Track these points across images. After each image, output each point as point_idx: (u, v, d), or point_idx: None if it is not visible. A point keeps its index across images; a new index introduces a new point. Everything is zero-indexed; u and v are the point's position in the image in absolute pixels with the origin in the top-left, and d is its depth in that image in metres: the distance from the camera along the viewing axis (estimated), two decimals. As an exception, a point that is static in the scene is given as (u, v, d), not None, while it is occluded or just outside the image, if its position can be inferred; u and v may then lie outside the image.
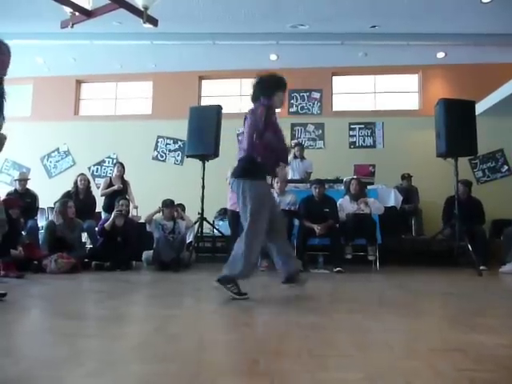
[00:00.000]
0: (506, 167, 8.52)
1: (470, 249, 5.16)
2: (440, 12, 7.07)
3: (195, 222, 6.06)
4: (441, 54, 8.48)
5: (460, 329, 2.23)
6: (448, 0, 6.74)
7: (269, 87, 3.35)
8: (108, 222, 5.48)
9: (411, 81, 9.22)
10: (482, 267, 5.07)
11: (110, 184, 6.48)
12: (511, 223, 6.02)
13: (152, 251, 5.53)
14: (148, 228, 5.61)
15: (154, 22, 5.78)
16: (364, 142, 8.87)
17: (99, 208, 6.49)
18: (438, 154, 5.64)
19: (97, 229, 5.71)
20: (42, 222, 6.43)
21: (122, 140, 9.11)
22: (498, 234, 6.40)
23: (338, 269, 5.08)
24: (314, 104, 9.00)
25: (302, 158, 7.42)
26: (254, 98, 3.38)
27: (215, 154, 6.07)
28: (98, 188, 6.88)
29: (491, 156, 8.53)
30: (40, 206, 6.46)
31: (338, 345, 1.85)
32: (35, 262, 4.80)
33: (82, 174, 6.45)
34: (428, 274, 5.23)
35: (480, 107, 7.24)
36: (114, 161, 8.74)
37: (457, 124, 5.39)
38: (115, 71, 9.34)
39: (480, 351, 1.76)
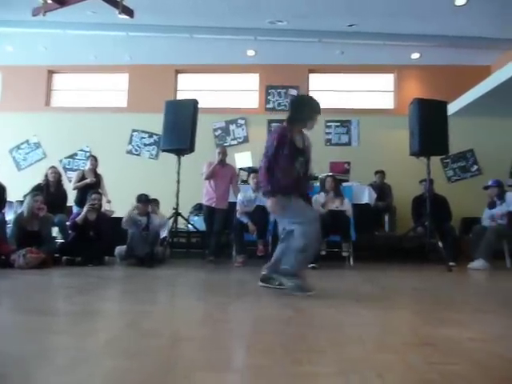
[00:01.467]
0: (475, 167, 8.75)
1: (441, 246, 5.29)
2: (416, 13, 7.19)
3: (170, 218, 6.00)
4: (415, 55, 8.63)
5: (430, 323, 2.28)
6: (423, 2, 6.86)
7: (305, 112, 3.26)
8: (80, 216, 5.36)
9: (387, 80, 9.36)
10: (451, 263, 5.19)
11: (83, 177, 6.34)
12: (479, 221, 6.20)
13: (125, 246, 5.44)
14: (124, 226, 5.49)
15: (129, 12, 5.68)
16: (339, 139, 8.96)
17: (71, 202, 6.34)
18: (412, 152, 5.75)
19: (68, 223, 5.58)
20: (9, 216, 6.23)
21: (95, 133, 8.92)
22: (467, 232, 6.58)
23: (312, 265, 5.11)
24: (290, 101, 9.03)
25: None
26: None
27: (191, 149, 6.02)
28: (70, 181, 6.71)
29: (462, 156, 8.75)
30: (8, 199, 6.26)
31: (312, 340, 1.86)
32: (3, 257, 4.66)
33: (53, 166, 6.28)
34: (400, 269, 5.33)
35: (452, 108, 7.40)
36: (87, 154, 8.56)
37: (430, 124, 5.50)
38: (89, 62, 9.14)
39: (449, 345, 1.80)
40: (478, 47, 8.21)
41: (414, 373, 1.44)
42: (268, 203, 3.14)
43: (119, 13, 5.74)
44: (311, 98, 3.41)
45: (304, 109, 3.27)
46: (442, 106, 5.79)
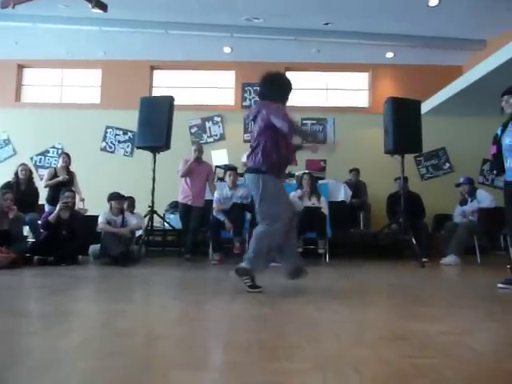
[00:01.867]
0: (447, 165, 8.96)
1: (414, 242, 5.39)
2: (390, 13, 7.30)
3: (145, 216, 5.93)
4: (390, 54, 8.76)
5: (404, 318, 2.32)
6: (398, 2, 6.97)
7: (282, 92, 3.27)
8: (53, 215, 5.23)
9: (362, 79, 9.47)
10: (424, 259, 5.31)
11: (55, 175, 6.18)
12: (451, 218, 6.35)
13: (99, 245, 5.34)
14: (99, 228, 5.38)
15: (103, 7, 5.59)
16: (316, 137, 9.01)
17: (42, 200, 6.19)
18: (386, 150, 5.83)
19: (40, 222, 5.44)
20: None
21: (68, 129, 8.72)
22: (439, 228, 6.74)
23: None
24: (267, 98, 9.02)
25: (254, 151, 7.43)
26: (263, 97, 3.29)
27: (166, 146, 5.96)
28: (42, 179, 6.55)
29: (434, 154, 8.94)
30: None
31: (288, 336, 1.87)
32: (-29, 257, 4.51)
33: (24, 163, 6.11)
34: (375, 266, 5.41)
35: (425, 107, 7.55)
36: (59, 151, 8.37)
37: (404, 122, 5.59)
38: (61, 57, 8.91)
39: (422, 339, 1.84)
40: (450, 47, 8.40)
41: (389, 367, 1.46)
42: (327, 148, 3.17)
43: (92, 7, 5.64)
44: (283, 74, 3.45)
45: (282, 85, 3.28)
46: (415, 104, 5.90)
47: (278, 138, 3.11)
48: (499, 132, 3.54)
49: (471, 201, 6.09)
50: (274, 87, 3.27)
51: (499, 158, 3.51)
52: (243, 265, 3.08)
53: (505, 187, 3.57)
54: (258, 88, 3.41)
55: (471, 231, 5.81)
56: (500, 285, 3.30)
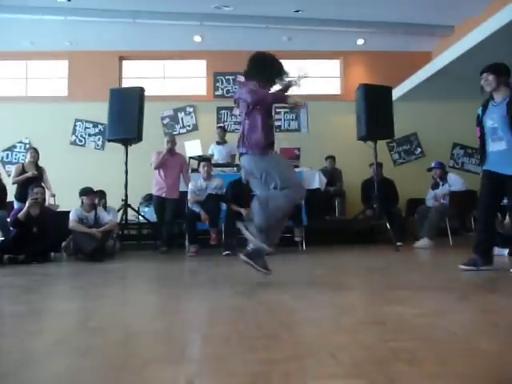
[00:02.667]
0: (419, 149, 9.12)
1: (389, 227, 5.48)
2: (360, 0, 7.32)
3: (119, 210, 5.83)
4: (360, 41, 8.82)
5: (381, 302, 2.35)
6: (367, -12, 7.00)
7: (264, 71, 3.18)
8: (22, 212, 5.08)
9: (333, 66, 9.50)
10: (398, 243, 5.41)
11: (23, 171, 6.00)
12: (424, 202, 6.48)
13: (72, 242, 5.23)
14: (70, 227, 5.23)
15: (66, -5, 5.39)
16: (289, 125, 9.03)
17: (11, 197, 6.00)
18: (359, 137, 5.89)
19: (9, 219, 5.28)
20: None
21: (35, 123, 8.47)
22: (412, 212, 6.86)
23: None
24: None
25: (225, 141, 7.41)
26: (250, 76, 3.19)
27: (138, 138, 5.86)
28: (9, 176, 6.34)
29: (406, 139, 9.08)
30: None
31: (267, 325, 1.87)
32: None
33: (-10, 160, 5.92)
34: (351, 251, 5.49)
35: (396, 93, 7.64)
36: (27, 146, 8.13)
37: (375, 109, 5.65)
38: (25, 48, 8.62)
39: (398, 322, 1.86)
40: (419, 34, 8.51)
41: (367, 351, 1.48)
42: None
43: (55, -5, 5.43)
44: (265, 54, 3.32)
45: (264, 64, 3.21)
46: (386, 91, 5.96)
47: (261, 118, 3.05)
48: (480, 112, 3.44)
49: (442, 184, 6.22)
50: (255, 65, 3.22)
51: (481, 142, 3.41)
52: (253, 246, 2.98)
53: (485, 172, 3.45)
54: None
55: (443, 214, 5.95)
56: (462, 266, 3.36)
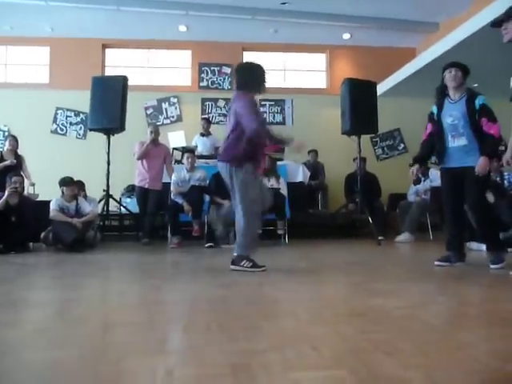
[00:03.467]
0: (402, 145, 9.21)
1: (371, 221, 5.53)
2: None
3: (100, 200, 5.75)
4: (346, 35, 8.83)
5: (361, 294, 2.37)
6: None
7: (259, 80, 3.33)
8: (0, 201, 4.96)
9: (319, 60, 9.50)
10: (380, 237, 5.46)
11: (1, 159, 5.85)
12: (406, 197, 6.55)
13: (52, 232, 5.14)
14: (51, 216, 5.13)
15: (48, -21, 5.25)
16: (274, 118, 9.02)
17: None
18: (343, 131, 5.91)
19: (-14, 208, 5.15)
20: None
21: (14, 111, 8.27)
22: (394, 207, 6.94)
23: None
24: (224, 79, 8.90)
25: (209, 133, 7.37)
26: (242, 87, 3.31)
27: (121, 128, 5.78)
28: (-13, 163, 6.18)
29: (390, 134, 9.16)
30: None
31: (247, 317, 1.86)
32: None
33: (-33, 147, 5.76)
34: (333, 245, 5.53)
35: (380, 88, 7.68)
36: (6, 133, 7.94)
37: (360, 103, 5.67)
38: (4, 33, 8.39)
39: (378, 314, 1.88)
40: (405, 30, 8.56)
41: (347, 343, 1.49)
42: None
43: (36, -21, 5.30)
44: (256, 63, 3.47)
45: (256, 74, 3.33)
46: (371, 86, 5.99)
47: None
48: (435, 110, 3.48)
49: (424, 180, 6.29)
50: (246, 76, 3.32)
51: (430, 140, 3.49)
52: (237, 252, 3.23)
53: (445, 171, 3.46)
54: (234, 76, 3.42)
55: (424, 209, 6.03)
56: (437, 262, 3.42)
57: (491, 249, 3.29)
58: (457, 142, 3.33)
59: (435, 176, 6.26)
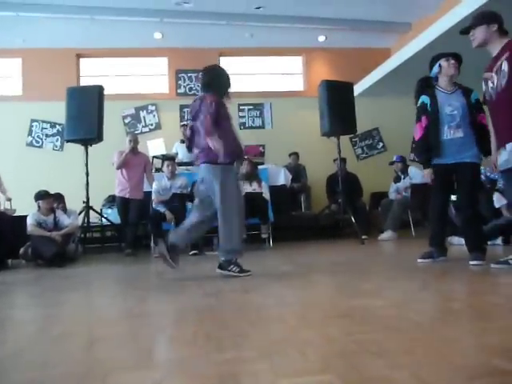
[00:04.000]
0: (381, 144, 9.32)
1: (354, 221, 5.57)
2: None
3: (80, 212, 5.66)
4: (322, 38, 8.92)
5: (347, 295, 2.38)
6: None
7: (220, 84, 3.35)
8: (-24, 218, 4.85)
9: (296, 63, 9.56)
10: (363, 236, 5.51)
11: (-24, 175, 5.73)
12: (387, 195, 6.62)
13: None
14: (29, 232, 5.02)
15: (17, -10, 5.17)
16: (253, 122, 9.03)
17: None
18: (322, 133, 5.95)
19: (-38, 226, 5.01)
20: None
21: (-13, 124, 8.09)
22: (376, 206, 7.02)
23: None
24: (202, 85, 8.87)
25: (190, 140, 7.31)
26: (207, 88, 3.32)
27: (99, 138, 5.71)
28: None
29: (368, 134, 9.26)
30: None
31: (234, 325, 1.85)
32: None
33: None
34: (317, 246, 5.55)
35: (357, 89, 7.77)
36: (-20, 148, 7.76)
37: (338, 104, 5.73)
38: (-26, 46, 8.22)
39: (364, 314, 1.89)
40: (378, 30, 8.69)
41: (334, 345, 1.48)
42: None
43: (5, -10, 5.21)
44: (218, 67, 3.55)
45: (222, 78, 3.37)
46: (348, 87, 6.05)
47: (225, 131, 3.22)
48: (426, 100, 3.35)
49: (404, 178, 6.38)
50: (214, 78, 3.35)
51: (427, 134, 3.32)
52: (224, 257, 3.20)
53: (438, 166, 3.34)
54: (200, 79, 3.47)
55: (405, 206, 6.10)
56: (419, 260, 3.44)
57: (473, 249, 3.21)
58: (453, 133, 3.23)
59: (414, 173, 6.36)
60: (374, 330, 1.62)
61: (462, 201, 3.35)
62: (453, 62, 3.31)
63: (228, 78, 3.41)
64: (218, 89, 3.32)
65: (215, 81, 3.33)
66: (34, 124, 8.46)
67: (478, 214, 3.36)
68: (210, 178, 3.21)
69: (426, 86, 3.43)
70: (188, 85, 8.87)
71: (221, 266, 3.22)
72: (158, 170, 6.52)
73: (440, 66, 3.35)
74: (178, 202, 5.48)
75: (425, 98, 3.38)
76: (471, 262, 3.15)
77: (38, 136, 8.47)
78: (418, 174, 6.35)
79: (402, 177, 6.41)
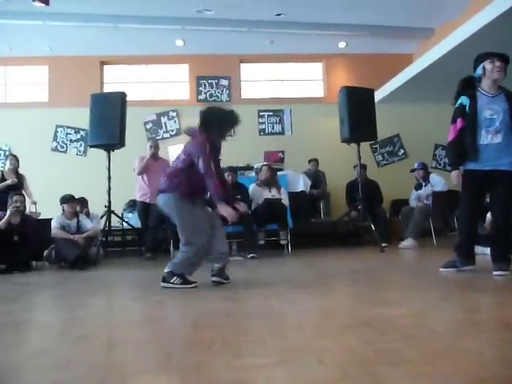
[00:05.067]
0: (402, 151, 9.21)
1: (373, 228, 5.51)
2: (341, 3, 7.39)
3: (102, 216, 5.75)
4: (342, 44, 8.89)
5: (366, 304, 2.35)
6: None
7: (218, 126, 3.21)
8: (3, 221, 4.96)
9: (316, 69, 9.55)
10: (383, 244, 5.44)
11: (3, 179, 5.88)
12: (408, 203, 6.53)
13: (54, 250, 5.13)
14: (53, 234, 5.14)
15: (44, 0, 5.33)
16: (273, 128, 9.04)
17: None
18: (342, 139, 5.92)
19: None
20: None
21: (14, 130, 8.31)
22: (396, 213, 6.92)
23: (251, 255, 5.13)
24: (222, 91, 8.95)
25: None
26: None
27: (121, 144, 5.80)
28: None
29: (389, 141, 9.16)
30: None
31: (252, 331, 1.85)
32: None
33: (-32, 168, 5.79)
34: (336, 253, 5.50)
35: (378, 95, 7.71)
36: (7, 153, 7.97)
37: (358, 111, 5.69)
38: (4, 54, 8.46)
39: (383, 323, 1.86)
40: (400, 36, 8.61)
41: (352, 354, 1.47)
42: None
43: (33, 0, 5.38)
44: (223, 111, 3.29)
45: (218, 123, 3.20)
46: (369, 93, 6.01)
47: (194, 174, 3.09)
48: (466, 102, 3.19)
49: (425, 185, 6.29)
50: (211, 120, 3.21)
51: (462, 137, 3.19)
52: (167, 269, 3.14)
53: (473, 172, 3.21)
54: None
55: (426, 214, 6.00)
56: (442, 269, 3.37)
57: (498, 259, 3.12)
58: (491, 138, 3.09)
59: (436, 181, 6.26)
60: (394, 340, 1.60)
61: (495, 208, 3.23)
62: (498, 64, 3.12)
63: (229, 122, 3.24)
64: (214, 131, 3.19)
65: (214, 122, 3.19)
66: (59, 129, 8.66)
67: (509, 224, 3.22)
68: (173, 207, 3.13)
69: (468, 86, 3.26)
70: (208, 91, 8.95)
71: (164, 279, 3.14)
72: (178, 175, 6.58)
73: (484, 68, 3.19)
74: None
75: (464, 99, 3.22)
76: (495, 273, 3.08)
77: (62, 141, 8.66)
78: (440, 182, 6.26)
79: (424, 184, 6.32)
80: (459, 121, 3.22)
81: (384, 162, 9.19)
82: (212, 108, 3.33)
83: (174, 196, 3.09)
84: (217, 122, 3.20)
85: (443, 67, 6.49)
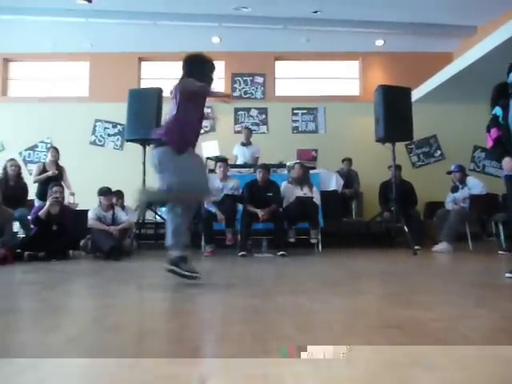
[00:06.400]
0: (438, 152, 8.98)
1: (406, 230, 5.40)
2: (379, 0, 7.25)
3: (136, 209, 5.88)
4: (380, 42, 8.73)
5: (397, 306, 2.31)
6: (386, -12, 6.92)
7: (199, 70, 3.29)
8: (43, 210, 5.18)
9: (352, 67, 9.43)
10: (416, 247, 5.33)
11: (44, 170, 6.11)
12: (443, 205, 6.36)
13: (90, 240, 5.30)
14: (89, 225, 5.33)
15: (88, -3, 5.48)
16: (307, 127, 8.99)
17: (32, 195, 6.12)
18: (377, 139, 5.83)
19: (30, 217, 5.38)
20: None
21: (56, 123, 8.62)
22: (431, 216, 6.76)
23: (281, 252, 5.14)
24: (257, 88, 8.97)
25: (249, 143, 7.41)
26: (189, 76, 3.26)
27: (156, 139, 5.89)
28: (31, 174, 6.46)
29: (425, 141, 8.95)
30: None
31: (281, 327, 1.86)
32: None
33: (12, 159, 6.04)
34: (367, 254, 5.43)
35: (415, 94, 7.54)
36: (48, 145, 8.27)
37: (394, 110, 5.58)
38: (48, 50, 8.77)
39: (414, 326, 1.83)
40: (440, 34, 8.38)
41: (382, 355, 1.45)
42: None
43: (77, -3, 5.53)
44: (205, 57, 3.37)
45: (204, 67, 3.30)
46: (406, 92, 5.88)
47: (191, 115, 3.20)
48: (499, 112, 3.19)
49: (462, 188, 6.11)
50: (193, 67, 3.28)
51: (500, 143, 3.15)
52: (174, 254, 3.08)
53: (506, 178, 3.21)
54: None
55: (463, 218, 5.83)
56: (508, 274, 3.18)
57: None
58: None
59: (473, 184, 6.07)
60: (425, 343, 1.57)
61: None
62: None
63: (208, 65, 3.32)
64: (197, 75, 3.24)
65: (196, 70, 3.26)
66: (98, 124, 8.91)
67: None
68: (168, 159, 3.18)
69: (502, 94, 3.20)
70: (243, 88, 8.99)
71: (172, 261, 3.08)
72: (211, 171, 6.65)
73: None
74: (229, 203, 5.56)
75: (497, 110, 3.20)
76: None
77: (100, 135, 8.92)
78: (478, 185, 6.06)
79: (460, 187, 6.14)
80: (493, 131, 3.21)
81: (419, 163, 8.98)
82: (191, 57, 3.35)
83: (170, 149, 3.11)
84: (198, 66, 3.28)
85: (484, 67, 6.26)
